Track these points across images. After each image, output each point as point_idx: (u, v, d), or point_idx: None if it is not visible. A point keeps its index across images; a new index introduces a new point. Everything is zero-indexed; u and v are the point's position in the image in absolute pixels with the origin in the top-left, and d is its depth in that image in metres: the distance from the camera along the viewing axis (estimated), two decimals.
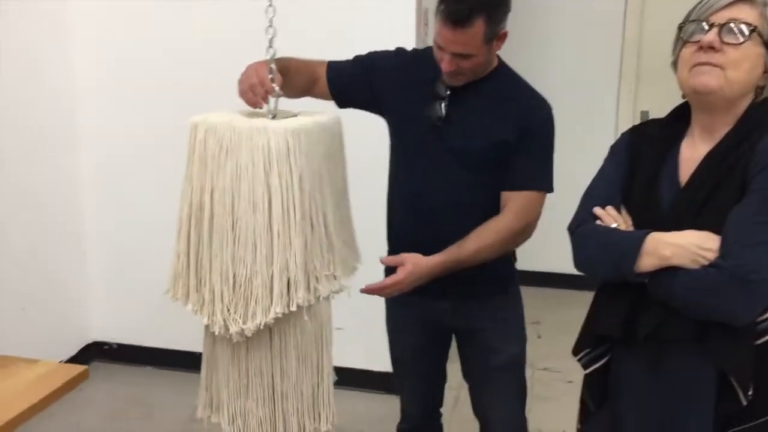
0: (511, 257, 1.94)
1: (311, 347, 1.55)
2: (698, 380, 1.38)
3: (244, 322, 1.46)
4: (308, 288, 1.48)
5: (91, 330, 3.44)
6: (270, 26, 1.55)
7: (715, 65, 1.33)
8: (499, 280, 1.91)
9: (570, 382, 3.28)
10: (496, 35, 1.72)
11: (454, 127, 1.78)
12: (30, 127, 3.01)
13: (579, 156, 3.06)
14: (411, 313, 1.92)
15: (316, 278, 1.49)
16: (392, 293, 1.75)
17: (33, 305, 3.05)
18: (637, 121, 4.32)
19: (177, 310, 3.29)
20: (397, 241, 1.93)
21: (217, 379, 1.62)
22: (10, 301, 2.92)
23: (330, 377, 1.60)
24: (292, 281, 1.45)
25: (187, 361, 3.33)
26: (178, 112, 3.00)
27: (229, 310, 1.47)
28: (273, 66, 1.62)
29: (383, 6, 2.89)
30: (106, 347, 3.45)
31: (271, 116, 1.59)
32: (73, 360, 3.22)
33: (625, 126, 4.20)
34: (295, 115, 1.60)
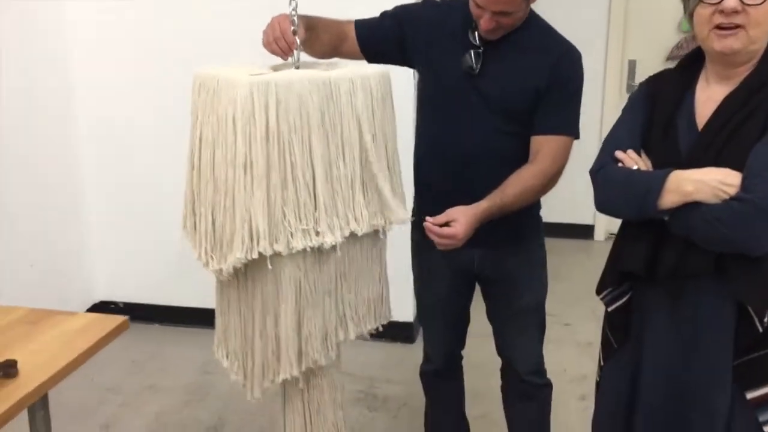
0: (537, 205, 2.00)
1: (277, 299, 1.61)
2: (717, 312, 1.47)
3: (218, 264, 1.57)
4: (276, 240, 1.53)
5: (97, 290, 3.48)
6: None
7: (737, 26, 1.39)
8: (525, 227, 1.97)
9: (567, 324, 3.41)
10: None
11: (487, 76, 1.82)
12: (28, 88, 3.00)
13: None
14: (439, 260, 1.96)
15: (291, 232, 1.53)
16: (446, 246, 1.78)
17: (41, 266, 3.08)
18: (626, 72, 4.40)
19: (182, 268, 3.39)
20: (428, 192, 1.98)
21: (223, 322, 1.74)
22: (19, 262, 2.94)
23: (294, 330, 1.63)
24: (253, 231, 1.52)
25: (194, 318, 3.41)
26: (181, 64, 3.06)
27: (210, 252, 1.60)
28: (296, 19, 1.65)
29: None
30: (112, 306, 3.49)
31: (294, 68, 1.66)
32: None
33: (614, 76, 4.35)
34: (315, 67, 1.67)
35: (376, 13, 1.99)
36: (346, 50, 1.93)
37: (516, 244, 1.93)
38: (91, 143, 3.33)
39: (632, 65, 4.33)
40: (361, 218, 1.61)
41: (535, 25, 1.87)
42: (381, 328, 1.84)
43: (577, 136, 1.88)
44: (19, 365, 1.48)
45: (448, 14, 1.90)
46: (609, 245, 1.69)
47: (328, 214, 1.56)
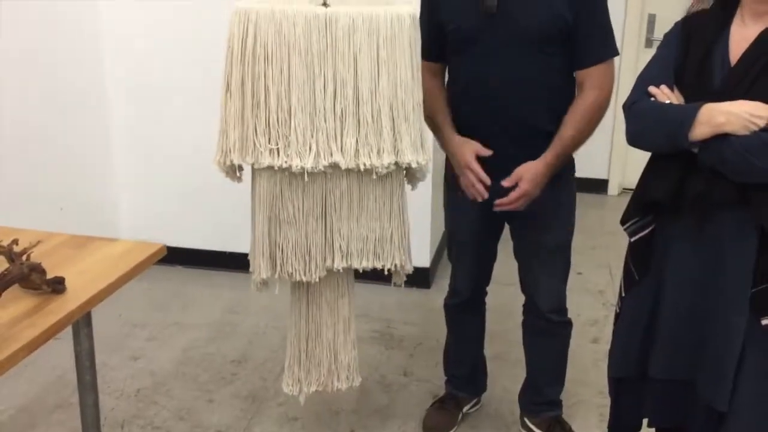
0: None
1: (256, 205, 1.81)
2: (739, 241, 1.52)
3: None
4: (247, 153, 1.70)
5: (121, 232, 3.54)
6: None
7: None
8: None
9: (580, 273, 3.47)
10: None
11: (508, 13, 1.85)
12: (57, 47, 3.03)
13: None
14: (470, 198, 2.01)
15: (256, 148, 1.68)
16: (522, 205, 1.90)
17: (67, 206, 3.14)
18: (645, 25, 4.38)
19: (204, 210, 3.43)
20: (462, 124, 2.01)
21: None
22: (45, 206, 3.01)
23: (265, 237, 1.80)
24: (227, 142, 1.72)
25: (214, 260, 3.48)
26: (211, 22, 3.09)
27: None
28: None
29: None
30: None
31: (322, 3, 1.71)
32: None
33: (633, 29, 4.34)
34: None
35: None
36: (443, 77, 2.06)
37: (548, 184, 1.97)
38: (120, 91, 3.37)
39: (651, 19, 4.30)
40: (349, 152, 1.67)
41: None
42: (389, 271, 1.88)
43: (616, 53, 1.94)
44: (66, 283, 1.54)
45: None
46: (622, 200, 1.75)
47: (302, 141, 1.65)
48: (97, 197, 3.41)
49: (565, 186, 2.06)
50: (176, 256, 3.48)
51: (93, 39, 3.24)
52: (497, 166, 1.91)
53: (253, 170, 1.78)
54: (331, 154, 1.67)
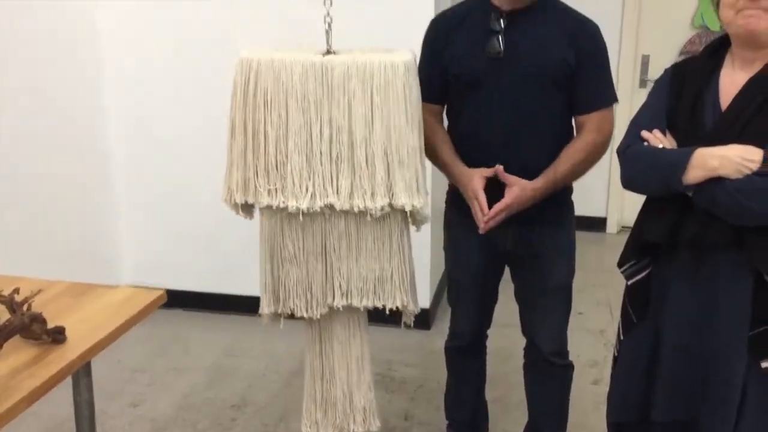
0: (570, 188, 2.07)
1: (261, 242, 1.89)
2: (735, 283, 1.54)
3: None
4: (248, 193, 1.78)
5: (122, 275, 3.55)
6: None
7: (761, 8, 1.47)
8: (558, 208, 2.03)
9: (580, 313, 3.47)
10: None
11: (513, 56, 1.89)
12: (57, 82, 3.07)
13: None
14: (473, 239, 2.02)
15: (256, 189, 1.77)
16: (499, 220, 1.89)
17: (68, 251, 3.15)
18: (639, 66, 4.45)
19: (205, 253, 3.44)
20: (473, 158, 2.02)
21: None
22: (47, 249, 3.02)
23: (269, 274, 1.87)
24: (232, 182, 1.80)
25: (215, 303, 3.48)
26: (213, 56, 3.14)
27: None
28: (329, 20, 1.78)
29: None
30: None
31: (324, 53, 1.78)
32: None
33: (627, 70, 4.40)
34: (333, 52, 1.77)
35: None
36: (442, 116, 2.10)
37: (548, 225, 2.00)
38: (121, 134, 3.40)
39: (645, 60, 4.38)
40: (343, 194, 1.73)
41: (551, 3, 1.96)
42: (392, 311, 1.89)
43: (615, 100, 1.99)
44: (66, 332, 1.55)
45: (468, 11, 1.99)
46: (621, 238, 1.77)
47: (298, 183, 1.72)
48: (99, 241, 3.43)
49: (565, 228, 2.07)
50: (176, 300, 3.48)
51: (94, 83, 3.30)
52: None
53: (259, 209, 1.87)
54: (327, 196, 1.74)
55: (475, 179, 1.92)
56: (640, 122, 1.66)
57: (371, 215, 1.72)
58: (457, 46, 1.97)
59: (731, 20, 1.52)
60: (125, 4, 3.24)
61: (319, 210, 1.73)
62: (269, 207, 1.78)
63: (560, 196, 2.01)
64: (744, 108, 1.51)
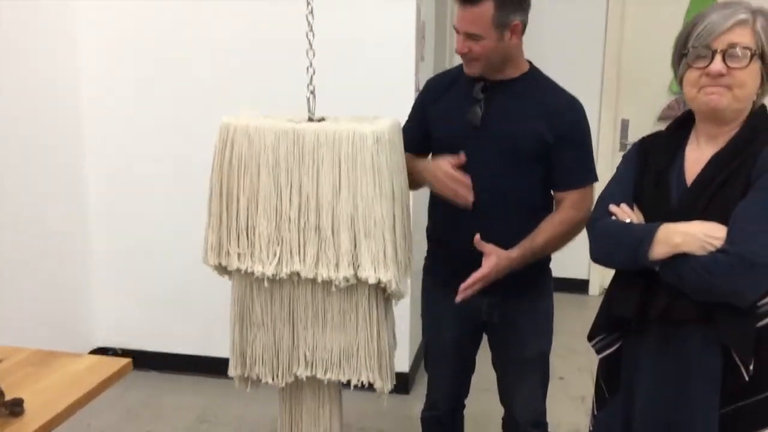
0: (548, 257, 2.06)
1: (231, 303, 1.89)
2: (705, 360, 1.52)
3: None
4: (220, 254, 1.81)
5: (96, 336, 3.50)
6: (310, 66, 1.79)
7: (723, 86, 1.49)
8: (535, 278, 2.03)
9: (561, 378, 3.43)
10: (507, 24, 1.86)
11: (492, 126, 1.92)
12: (35, 134, 3.07)
13: None
14: (449, 307, 2.00)
15: (227, 252, 1.79)
16: (476, 290, 1.88)
17: (40, 310, 3.11)
18: (618, 131, 4.52)
19: (180, 315, 3.39)
20: (439, 237, 2.06)
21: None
22: (18, 307, 2.97)
23: (238, 336, 1.87)
24: (207, 242, 1.83)
25: (190, 365, 3.43)
26: (188, 110, 3.15)
27: None
28: (313, 87, 1.82)
29: (382, 19, 3.02)
30: (110, 353, 3.50)
31: (307, 119, 1.81)
32: None
33: (607, 135, 4.47)
34: (321, 119, 1.80)
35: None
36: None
37: (525, 294, 1.99)
38: (97, 188, 3.40)
39: (625, 125, 4.45)
40: (309, 262, 1.71)
41: (536, 77, 1.99)
42: (362, 383, 1.86)
43: (595, 180, 2.00)
44: (25, 404, 1.51)
45: (457, 76, 2.02)
46: None
47: (266, 249, 1.73)
48: (71, 301, 3.38)
49: (542, 297, 2.07)
50: (150, 362, 3.44)
51: (75, 139, 3.30)
52: (468, 277, 1.91)
53: (231, 272, 1.86)
54: (293, 264, 1.74)
55: (442, 162, 1.92)
56: (608, 195, 1.67)
57: (336, 286, 1.71)
58: (442, 107, 2.00)
59: (694, 97, 1.55)
60: (108, 61, 3.27)
61: (286, 277, 1.72)
62: (239, 270, 1.79)
63: (538, 264, 2.00)
64: (708, 184, 1.52)
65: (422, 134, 2.04)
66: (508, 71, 1.95)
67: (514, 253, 1.90)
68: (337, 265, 1.69)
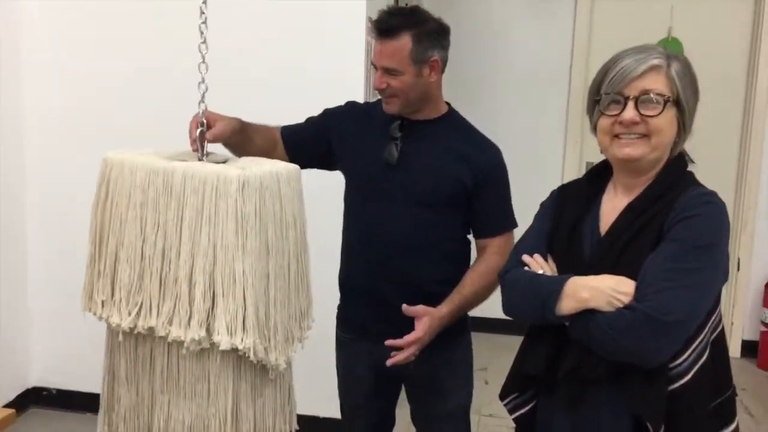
0: None
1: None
2: (615, 422, 1.42)
3: None
4: (91, 299, 1.61)
5: (30, 375, 3.36)
6: (202, 82, 1.60)
7: (638, 134, 1.42)
8: (450, 326, 1.93)
9: (499, 417, 3.31)
10: (425, 59, 1.81)
11: (408, 167, 1.85)
12: None
13: (527, 206, 3.12)
14: (362, 359, 1.94)
15: (94, 298, 1.59)
16: (414, 352, 1.79)
17: None
18: (583, 172, 4.46)
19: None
20: (351, 289, 1.98)
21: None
22: None
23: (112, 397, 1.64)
24: (83, 285, 1.64)
25: None
26: (125, 141, 3.06)
27: None
28: (203, 120, 1.65)
29: (332, 48, 2.95)
30: (45, 393, 3.37)
31: (198, 158, 1.64)
32: (10, 406, 3.13)
33: (572, 176, 4.39)
34: (225, 161, 1.63)
35: None
36: (278, 156, 1.91)
37: (440, 344, 1.89)
38: (33, 231, 3.30)
39: (589, 167, 4.39)
40: (163, 318, 1.50)
41: (454, 119, 1.94)
42: None
43: (515, 225, 1.95)
44: None
45: (372, 112, 1.96)
46: None
47: (125, 298, 1.53)
48: (6, 339, 3.25)
49: (458, 346, 1.97)
50: (90, 403, 3.29)
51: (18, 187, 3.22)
52: (387, 325, 1.83)
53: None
54: (150, 318, 1.51)
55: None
56: (522, 245, 1.59)
57: (186, 348, 1.47)
58: (357, 143, 1.93)
59: (608, 146, 1.48)
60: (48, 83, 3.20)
61: (144, 332, 1.51)
62: (102, 319, 1.58)
63: None
64: (621, 234, 1.44)
65: (312, 137, 1.96)
66: (426, 111, 1.89)
67: (444, 309, 1.82)
68: (188, 324, 1.47)
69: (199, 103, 1.63)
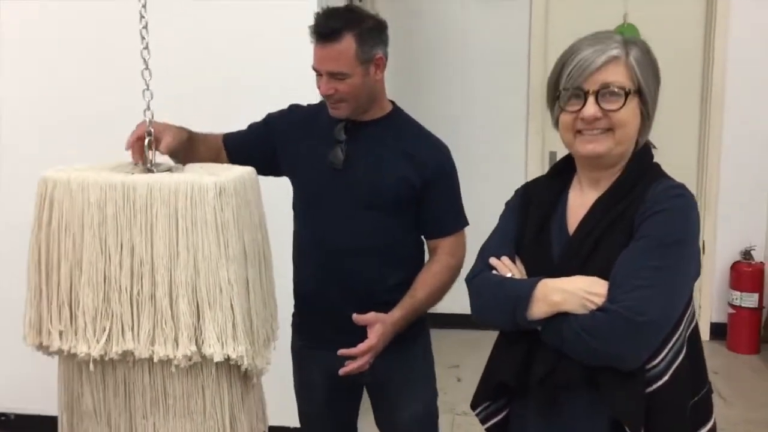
0: None
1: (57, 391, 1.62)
2: (592, 426, 1.37)
3: None
4: (41, 332, 1.52)
5: None
6: (147, 89, 1.53)
7: (601, 129, 1.36)
8: (404, 330, 1.87)
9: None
10: (370, 58, 1.75)
11: (354, 169, 1.80)
12: None
13: (490, 200, 3.06)
14: (318, 367, 1.88)
15: (48, 330, 1.50)
16: (368, 361, 1.72)
17: None
18: (546, 163, 4.44)
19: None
20: (305, 296, 1.92)
21: None
22: None
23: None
24: (27, 316, 1.54)
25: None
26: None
27: None
28: (151, 129, 1.57)
29: (278, 56, 2.86)
30: (3, 418, 3.24)
31: (145, 169, 1.57)
32: None
33: (535, 166, 4.38)
34: (169, 169, 1.57)
35: None
36: (222, 162, 1.86)
37: (396, 346, 1.82)
38: None
39: (552, 156, 4.37)
40: (143, 339, 1.44)
41: (399, 117, 1.88)
42: None
43: (466, 224, 1.90)
44: None
45: (316, 114, 1.89)
46: None
47: (91, 325, 1.44)
48: None
49: (419, 349, 1.92)
50: (46, 427, 3.17)
51: None
52: (339, 334, 1.76)
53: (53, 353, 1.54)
54: (125, 342, 1.44)
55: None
56: (488, 247, 1.52)
57: (176, 366, 1.43)
58: (303, 148, 1.87)
59: (571, 143, 1.43)
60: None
61: (117, 357, 1.45)
62: (62, 351, 1.49)
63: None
64: (590, 232, 1.38)
65: (255, 144, 1.90)
66: (372, 111, 1.84)
67: (397, 314, 1.76)
68: (176, 341, 1.42)
69: (145, 112, 1.55)
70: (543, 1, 4.27)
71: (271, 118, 1.95)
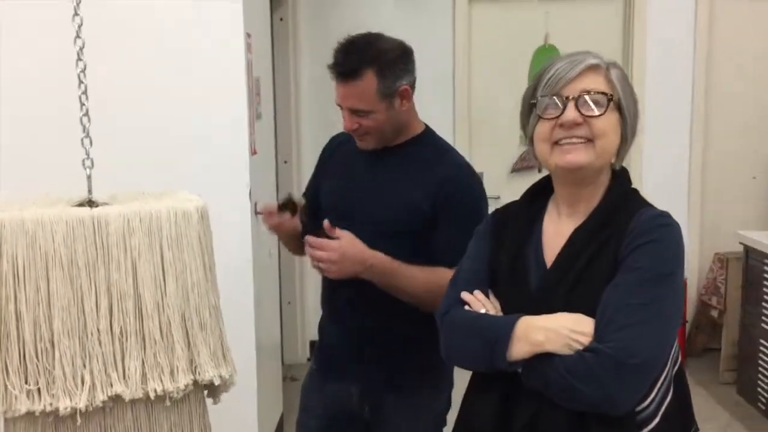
0: (427, 347, 1.69)
1: None
2: None
3: None
4: (4, 398, 1.34)
5: None
6: (85, 115, 1.41)
7: (581, 138, 1.27)
8: (417, 370, 1.77)
9: None
10: (394, 91, 1.67)
11: (372, 194, 1.73)
12: None
13: None
14: (317, 396, 1.81)
15: (5, 388, 1.34)
16: (327, 266, 1.62)
17: None
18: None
19: None
20: (326, 321, 1.90)
21: None
22: None
23: None
24: None
25: None
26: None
27: None
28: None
29: (212, 74, 2.71)
30: None
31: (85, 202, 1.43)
32: None
33: None
34: (105, 203, 1.44)
35: None
36: None
37: (397, 387, 1.72)
38: None
39: (479, 178, 4.33)
40: (133, 378, 1.34)
41: (427, 141, 1.79)
42: None
43: None
44: None
45: (340, 142, 1.88)
46: None
47: (70, 374, 1.31)
48: None
49: (422, 396, 1.78)
50: None
51: None
52: (350, 359, 1.74)
53: (5, 420, 1.36)
54: (111, 385, 1.33)
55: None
56: (461, 279, 1.40)
57: (170, 399, 1.35)
58: (330, 176, 1.86)
59: (548, 156, 1.31)
60: None
61: (100, 405, 1.33)
62: (29, 415, 1.32)
63: (420, 353, 1.73)
64: (572, 263, 1.28)
65: (315, 198, 1.91)
66: (400, 137, 1.77)
67: (380, 254, 1.64)
68: (172, 373, 1.35)
69: (82, 140, 1.40)
70: (465, 21, 4.24)
71: (318, 162, 1.98)
